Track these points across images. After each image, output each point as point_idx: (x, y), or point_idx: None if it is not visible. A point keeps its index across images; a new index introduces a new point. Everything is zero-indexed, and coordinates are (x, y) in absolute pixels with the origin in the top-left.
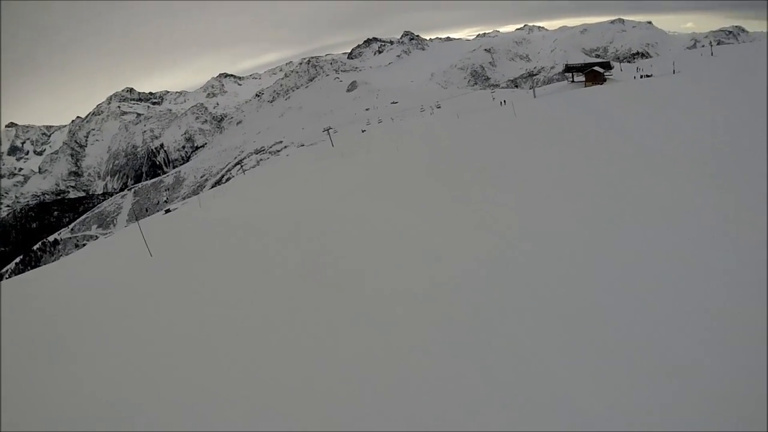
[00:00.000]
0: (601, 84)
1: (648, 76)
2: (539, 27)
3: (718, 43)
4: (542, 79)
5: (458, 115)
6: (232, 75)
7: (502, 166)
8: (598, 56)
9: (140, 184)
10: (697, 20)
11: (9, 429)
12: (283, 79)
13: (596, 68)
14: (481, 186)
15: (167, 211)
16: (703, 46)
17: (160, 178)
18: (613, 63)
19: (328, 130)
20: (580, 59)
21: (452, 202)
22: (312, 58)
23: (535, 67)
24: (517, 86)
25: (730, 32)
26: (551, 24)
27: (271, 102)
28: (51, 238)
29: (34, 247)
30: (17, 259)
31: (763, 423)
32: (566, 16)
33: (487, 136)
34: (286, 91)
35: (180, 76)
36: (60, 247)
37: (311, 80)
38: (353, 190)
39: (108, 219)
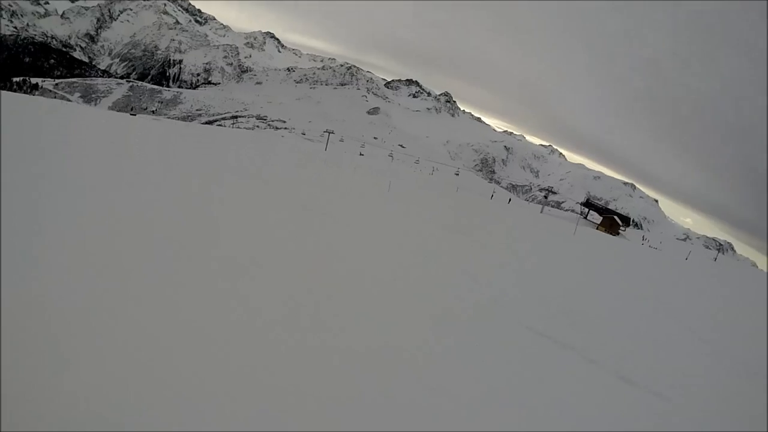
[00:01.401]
0: (614, 235)
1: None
2: (560, 153)
3: (707, 248)
4: (537, 198)
5: (457, 189)
6: (276, 38)
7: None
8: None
9: (141, 82)
10: (697, 220)
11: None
12: (319, 69)
13: (616, 217)
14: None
15: (132, 113)
16: (692, 244)
17: (161, 88)
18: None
19: (329, 132)
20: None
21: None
22: (353, 66)
23: (539, 185)
24: (515, 193)
25: (721, 245)
26: (572, 156)
27: (297, 83)
28: (33, 80)
29: (14, 79)
30: None
31: (763, 423)
32: (588, 157)
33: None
34: (315, 82)
35: (233, 8)
36: (37, 93)
37: (342, 84)
38: (322, 193)
39: (93, 95)
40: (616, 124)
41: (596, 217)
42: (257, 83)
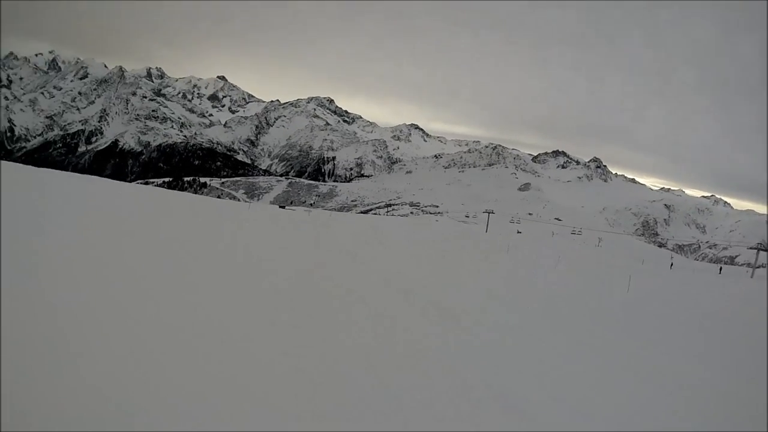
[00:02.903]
0: None
1: None
2: (725, 202)
3: None
4: (708, 257)
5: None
6: (421, 129)
7: None
8: None
9: (299, 179)
10: None
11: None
12: (465, 153)
13: None
14: None
15: (282, 206)
16: None
17: (317, 183)
18: None
19: (489, 212)
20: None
21: None
22: (499, 145)
23: (707, 242)
24: (683, 251)
25: None
26: (737, 203)
27: (446, 168)
28: (202, 180)
29: (185, 178)
30: (167, 179)
31: (763, 423)
32: (757, 201)
33: None
34: (463, 165)
35: (375, 108)
36: (206, 190)
37: (489, 165)
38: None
39: (256, 191)
40: None
41: None
42: (407, 172)
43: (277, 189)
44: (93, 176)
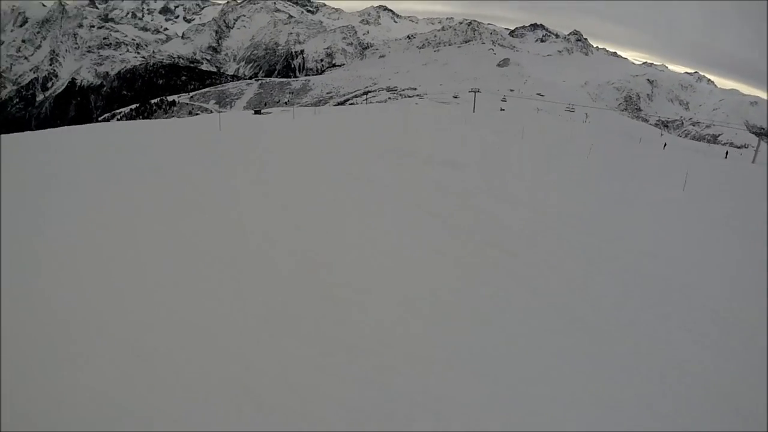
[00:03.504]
0: None
1: None
2: (709, 80)
3: None
4: (690, 134)
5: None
6: (390, 10)
7: None
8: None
9: (269, 78)
10: None
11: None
12: (439, 31)
13: None
14: None
15: (257, 112)
16: None
17: (288, 80)
18: None
19: (476, 91)
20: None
21: None
22: (474, 21)
23: (691, 119)
24: (667, 128)
25: None
26: (722, 82)
27: (420, 48)
28: (170, 98)
29: (152, 101)
30: (133, 106)
31: (763, 423)
32: (741, 81)
33: None
34: (438, 44)
35: None
36: (176, 108)
37: (465, 42)
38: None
39: (227, 99)
40: None
41: None
42: (381, 57)
43: (248, 93)
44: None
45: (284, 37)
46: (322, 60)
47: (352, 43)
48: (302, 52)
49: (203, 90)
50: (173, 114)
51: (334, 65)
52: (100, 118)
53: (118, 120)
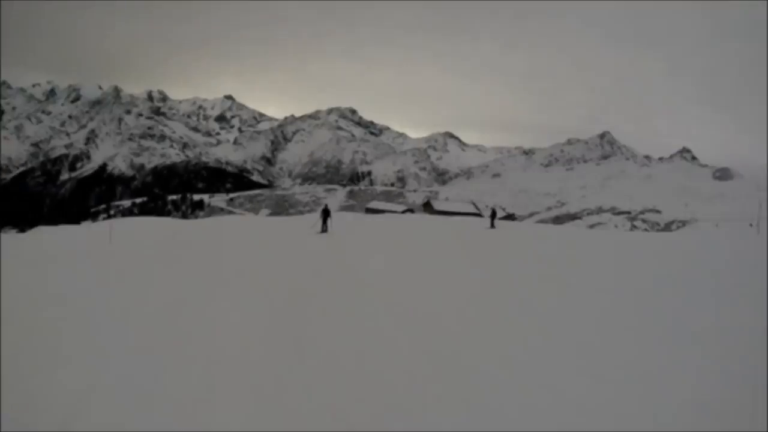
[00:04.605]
0: None
1: None
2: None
3: None
4: None
5: None
6: (457, 137)
7: None
8: None
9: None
10: None
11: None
12: (564, 145)
13: None
14: None
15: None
16: None
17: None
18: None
19: None
20: None
21: None
22: (606, 132)
23: None
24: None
25: None
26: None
27: (546, 166)
28: (196, 197)
29: (171, 197)
30: (138, 200)
31: (763, 423)
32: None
33: None
34: (569, 161)
35: (403, 117)
36: (202, 213)
37: (604, 158)
38: None
39: (291, 210)
40: None
41: None
42: (494, 175)
43: (332, 202)
44: None
45: (348, 155)
46: (392, 183)
47: (425, 168)
48: (369, 173)
49: (251, 192)
50: (195, 217)
51: (403, 188)
52: (92, 209)
53: (110, 216)
